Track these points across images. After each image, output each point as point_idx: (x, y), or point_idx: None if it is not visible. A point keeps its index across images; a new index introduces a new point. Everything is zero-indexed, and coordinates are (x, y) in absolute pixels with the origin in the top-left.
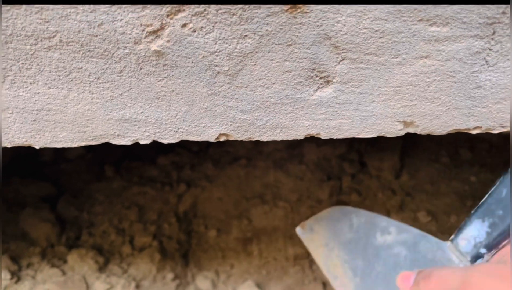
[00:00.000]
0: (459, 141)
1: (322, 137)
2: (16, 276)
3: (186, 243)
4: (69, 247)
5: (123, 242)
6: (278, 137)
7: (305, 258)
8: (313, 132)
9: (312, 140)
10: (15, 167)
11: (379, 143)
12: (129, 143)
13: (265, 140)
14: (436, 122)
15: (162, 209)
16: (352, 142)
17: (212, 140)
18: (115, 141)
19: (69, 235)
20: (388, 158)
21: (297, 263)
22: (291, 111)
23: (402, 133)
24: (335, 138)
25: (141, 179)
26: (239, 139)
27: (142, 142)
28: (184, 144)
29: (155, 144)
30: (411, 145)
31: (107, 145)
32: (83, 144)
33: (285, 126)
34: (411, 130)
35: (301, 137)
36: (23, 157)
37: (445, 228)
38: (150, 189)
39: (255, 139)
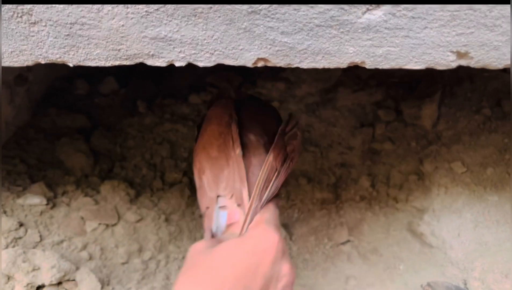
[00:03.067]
0: (502, 92)
1: (367, 66)
2: (52, 202)
3: None
4: (102, 179)
5: (154, 176)
6: (320, 64)
7: (332, 203)
8: (357, 60)
9: (347, 86)
10: (51, 99)
11: (418, 90)
12: (164, 64)
13: (305, 67)
14: (493, 54)
15: (192, 147)
16: (388, 89)
17: (250, 65)
18: (149, 62)
19: (102, 167)
20: (426, 106)
21: (324, 207)
22: (336, 35)
23: (454, 65)
24: (380, 68)
25: (173, 116)
26: (278, 64)
27: (177, 64)
28: (216, 84)
29: (188, 82)
30: (451, 95)
31: (141, 79)
32: (117, 63)
33: (328, 52)
34: (464, 62)
35: (344, 65)
36: (58, 89)
37: (480, 180)
38: (182, 127)
39: (294, 66)
